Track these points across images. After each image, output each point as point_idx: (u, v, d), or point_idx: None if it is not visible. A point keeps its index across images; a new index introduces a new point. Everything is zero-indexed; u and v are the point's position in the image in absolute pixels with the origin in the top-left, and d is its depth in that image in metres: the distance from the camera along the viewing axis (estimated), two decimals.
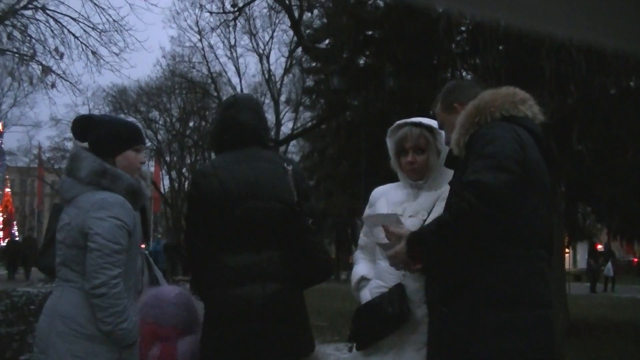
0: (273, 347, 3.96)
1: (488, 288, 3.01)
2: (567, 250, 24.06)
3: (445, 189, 3.52)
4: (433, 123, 3.82)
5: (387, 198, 3.92)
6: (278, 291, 3.97)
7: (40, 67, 18.64)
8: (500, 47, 13.58)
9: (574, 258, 48.84)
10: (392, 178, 4.08)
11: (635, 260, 48.01)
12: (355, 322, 3.85)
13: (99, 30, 19.10)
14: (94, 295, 3.56)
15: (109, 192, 3.77)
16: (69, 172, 3.90)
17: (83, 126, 4.04)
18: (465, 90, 3.54)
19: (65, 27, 18.95)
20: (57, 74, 19.04)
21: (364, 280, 3.97)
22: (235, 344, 3.91)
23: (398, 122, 3.94)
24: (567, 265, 22.39)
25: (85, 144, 3.99)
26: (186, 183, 48.06)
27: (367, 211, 4.03)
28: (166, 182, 52.08)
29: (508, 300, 3.00)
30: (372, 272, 3.95)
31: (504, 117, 3.19)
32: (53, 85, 18.86)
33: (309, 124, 33.80)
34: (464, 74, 17.24)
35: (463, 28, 16.15)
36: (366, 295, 3.85)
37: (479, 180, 2.91)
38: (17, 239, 42.12)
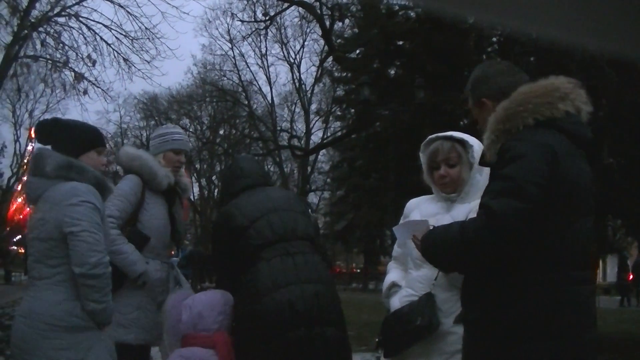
0: (324, 351, 3.99)
1: (515, 317, 2.80)
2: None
3: (478, 202, 3.29)
4: (465, 136, 3.82)
5: (420, 210, 3.91)
6: (316, 293, 4.02)
7: (73, 73, 18.84)
8: (531, 59, 13.55)
9: (604, 271, 48.26)
10: (420, 190, 4.09)
11: None
12: (384, 330, 3.86)
13: (131, 38, 19.36)
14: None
15: (77, 182, 3.88)
16: (33, 172, 3.97)
17: (49, 129, 4.17)
18: (492, 80, 3.19)
19: (98, 35, 19.23)
20: (89, 81, 19.26)
21: (394, 286, 3.98)
22: (284, 350, 3.90)
23: (430, 136, 3.94)
24: (596, 279, 22.07)
25: (48, 147, 4.09)
26: (216, 191, 48.17)
27: (401, 222, 3.98)
28: (196, 189, 52.28)
29: (536, 330, 2.78)
30: (403, 280, 3.96)
31: (539, 121, 2.85)
32: (85, 92, 19.07)
33: (339, 133, 33.76)
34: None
35: (494, 39, 16.11)
36: (395, 303, 3.86)
37: (489, 206, 2.74)
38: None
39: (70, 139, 4.05)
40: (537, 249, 2.76)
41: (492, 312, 2.86)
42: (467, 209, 3.68)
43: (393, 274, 4.06)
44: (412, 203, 4.06)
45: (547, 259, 2.80)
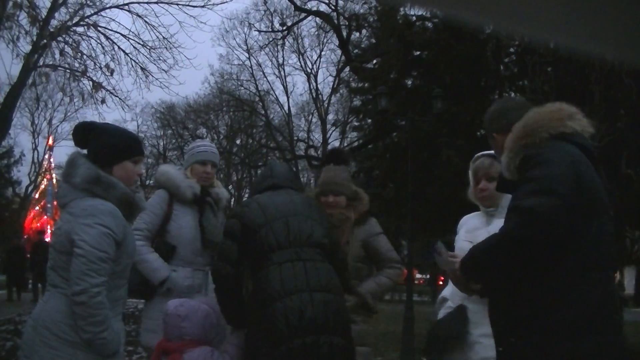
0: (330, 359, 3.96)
1: (562, 316, 2.86)
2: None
3: None
4: None
5: (466, 226, 4.18)
6: (326, 301, 4.01)
7: (91, 82, 18.93)
8: (549, 70, 13.52)
9: (621, 282, 48.01)
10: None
11: None
12: (427, 338, 4.25)
13: (148, 47, 19.56)
14: (75, 302, 3.56)
15: (101, 199, 3.78)
16: (64, 177, 3.92)
17: (84, 133, 4.04)
18: (503, 116, 3.42)
19: (116, 44, 19.43)
20: (107, 90, 19.39)
21: (443, 301, 4.24)
22: (290, 357, 3.87)
23: (477, 154, 4.20)
24: None
25: (85, 151, 4.01)
26: (232, 200, 48.29)
27: (456, 238, 4.23)
28: None
29: (582, 327, 2.84)
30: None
31: (553, 135, 3.05)
32: (103, 101, 19.15)
33: (356, 143, 33.78)
34: (512, 96, 17.08)
35: (511, 50, 16.09)
36: (440, 314, 4.18)
37: (520, 205, 2.83)
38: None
39: (104, 148, 3.93)
40: (582, 248, 2.89)
41: (537, 315, 2.91)
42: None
43: (447, 288, 4.25)
44: (464, 219, 4.34)
45: (592, 258, 2.92)
